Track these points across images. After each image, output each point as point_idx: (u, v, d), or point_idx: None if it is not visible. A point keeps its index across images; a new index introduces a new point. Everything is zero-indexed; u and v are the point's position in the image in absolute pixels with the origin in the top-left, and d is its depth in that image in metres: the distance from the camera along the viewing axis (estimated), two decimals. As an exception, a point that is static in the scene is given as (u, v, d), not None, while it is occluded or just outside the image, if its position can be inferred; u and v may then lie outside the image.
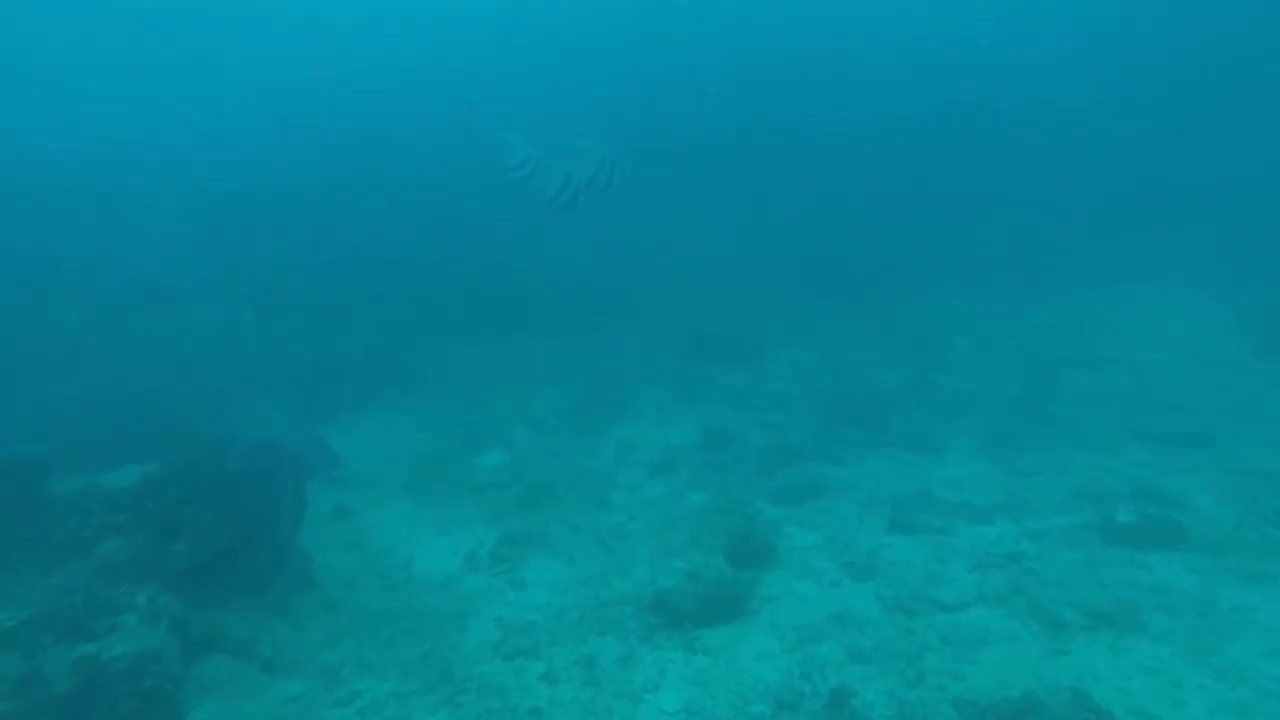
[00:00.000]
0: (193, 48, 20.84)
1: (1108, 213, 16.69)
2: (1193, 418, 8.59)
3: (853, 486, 7.38)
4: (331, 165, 14.07)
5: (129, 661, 3.60)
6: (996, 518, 6.52)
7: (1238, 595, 4.99)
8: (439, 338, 11.52)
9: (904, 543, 6.14)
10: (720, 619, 5.10)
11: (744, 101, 18.68)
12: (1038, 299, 14.00)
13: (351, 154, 14.79)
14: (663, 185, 14.75)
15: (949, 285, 14.63)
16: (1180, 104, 19.36)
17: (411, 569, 5.93)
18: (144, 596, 3.83)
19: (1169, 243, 15.07)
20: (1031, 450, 8.01)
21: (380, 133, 16.19)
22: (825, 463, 8.04)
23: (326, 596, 5.25)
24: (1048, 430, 8.59)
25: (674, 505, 7.14)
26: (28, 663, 3.51)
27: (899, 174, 17.38)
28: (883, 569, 5.72)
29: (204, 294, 9.79)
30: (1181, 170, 17.50)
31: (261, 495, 4.69)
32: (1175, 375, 10.28)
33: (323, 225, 12.16)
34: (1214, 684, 4.18)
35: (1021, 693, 3.99)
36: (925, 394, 10.14)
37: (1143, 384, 10.06)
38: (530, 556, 6.18)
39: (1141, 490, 6.70)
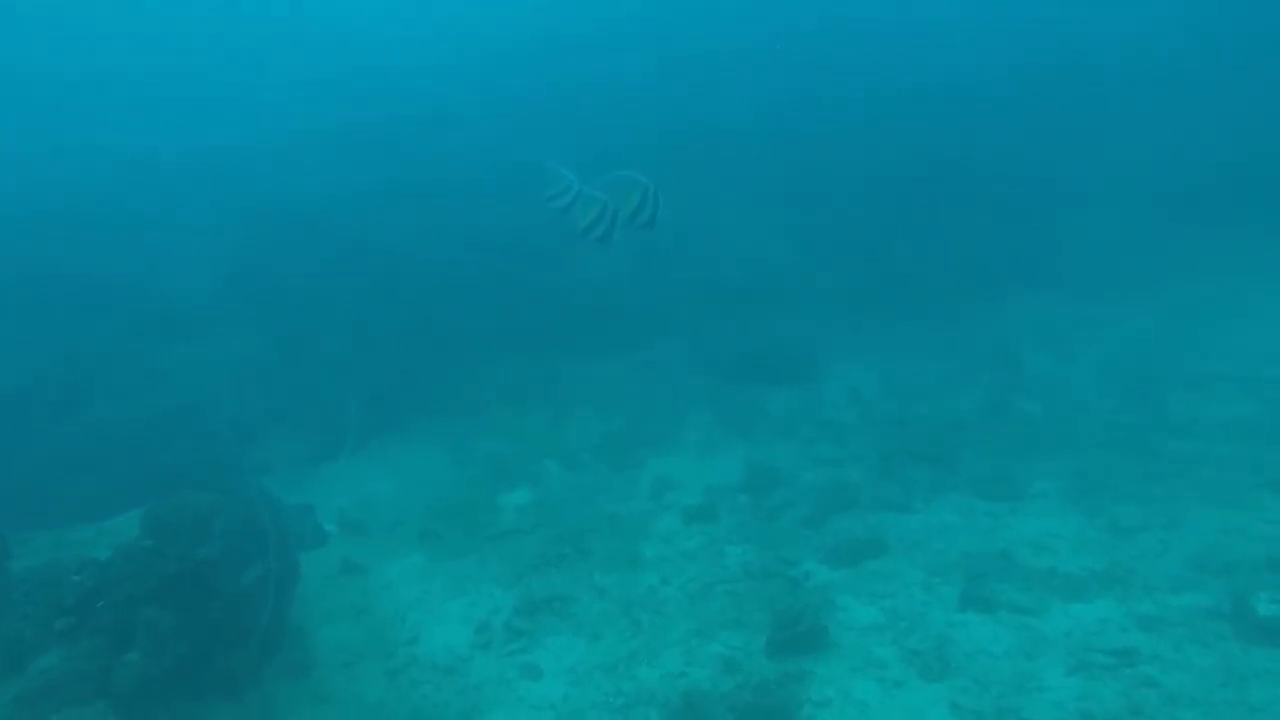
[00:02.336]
0: (236, 54, 21.04)
1: (1200, 197, 14.80)
2: (1334, 458, 7.24)
3: (918, 543, 6.43)
4: (362, 174, 13.75)
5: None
6: (1096, 594, 5.47)
7: None
8: (472, 360, 11.02)
9: (981, 624, 5.20)
10: (761, 732, 4.33)
11: (789, 88, 17.44)
12: (1129, 302, 12.52)
13: (383, 163, 14.45)
14: (706, 186, 13.87)
15: (1025, 289, 13.27)
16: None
17: (417, 646, 5.37)
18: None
19: (1259, 232, 13.25)
20: (1134, 499, 6.85)
21: (410, 140, 15.82)
22: (885, 510, 7.10)
23: (320, 686, 4.74)
24: (1152, 471, 7.38)
25: (713, 564, 6.36)
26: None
27: (961, 164, 15.86)
28: (957, 662, 4.81)
29: (227, 318, 9.53)
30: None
31: (238, 581, 4.19)
32: None
33: (351, 240, 11.81)
34: None
35: None
36: (1001, 423, 9.00)
37: (1265, 408, 8.63)
38: (549, 631, 5.53)
39: (1275, 563, 5.53)
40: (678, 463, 8.50)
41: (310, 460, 8.42)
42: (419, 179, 13.69)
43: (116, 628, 3.66)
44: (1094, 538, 6.27)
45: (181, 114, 19.42)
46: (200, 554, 3.97)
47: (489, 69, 19.99)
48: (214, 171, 15.13)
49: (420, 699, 4.79)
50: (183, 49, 22.37)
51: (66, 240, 10.92)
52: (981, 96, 17.93)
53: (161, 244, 11.57)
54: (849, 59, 18.19)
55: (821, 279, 13.51)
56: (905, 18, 19.18)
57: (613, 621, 5.61)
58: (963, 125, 16.95)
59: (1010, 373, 10.60)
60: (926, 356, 11.32)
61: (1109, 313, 12.35)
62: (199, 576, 3.92)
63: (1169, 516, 6.46)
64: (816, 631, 5.12)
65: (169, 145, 16.70)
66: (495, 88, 18.44)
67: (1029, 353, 11.20)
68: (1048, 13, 19.94)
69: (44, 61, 21.99)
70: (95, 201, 12.46)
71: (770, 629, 5.20)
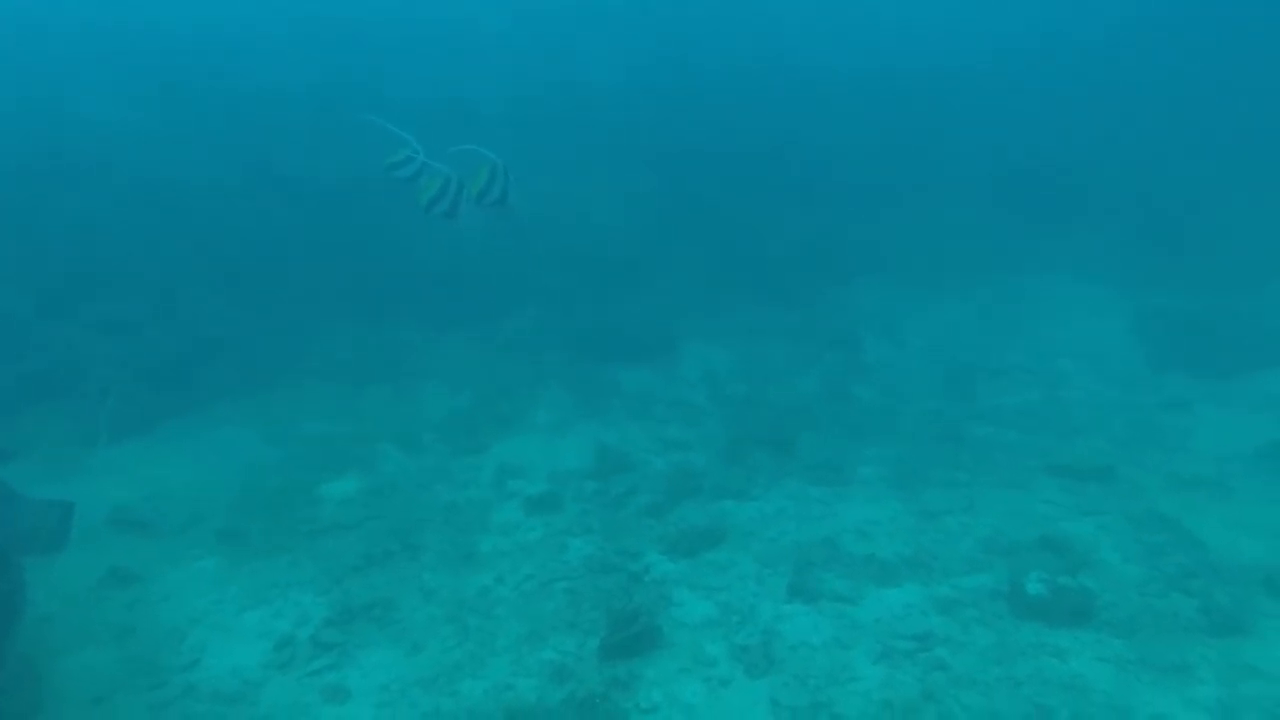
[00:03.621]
0: None
1: (1028, 193, 16.46)
2: (1096, 444, 8.37)
3: (755, 532, 6.63)
4: (168, 112, 11.65)
5: None
6: (905, 577, 5.93)
7: (1152, 698, 4.57)
8: (304, 329, 9.85)
9: (805, 615, 5.44)
10: (585, 743, 4.22)
11: (655, 60, 17.13)
12: (957, 291, 13.67)
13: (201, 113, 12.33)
14: (569, 148, 13.28)
15: (871, 275, 14.11)
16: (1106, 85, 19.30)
17: (196, 670, 4.67)
18: None
19: (1080, 229, 15.05)
20: (942, 484, 7.52)
21: (235, 89, 13.64)
22: (727, 497, 7.26)
23: (60, 733, 3.96)
24: (959, 456, 8.15)
25: (553, 558, 6.15)
26: None
27: (814, 153, 16.50)
28: (781, 656, 4.99)
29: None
30: (1100, 155, 17.45)
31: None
32: (1079, 389, 10.14)
33: (147, 180, 9.99)
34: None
35: None
36: (838, 407, 9.55)
37: (1050, 399, 9.85)
38: (364, 643, 5.05)
39: (1049, 542, 6.28)
40: (526, 445, 8.16)
41: (81, 443, 7.10)
42: (241, 116, 11.86)
43: None
44: (907, 522, 6.80)
45: None
46: None
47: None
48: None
49: (195, 739, 4.18)
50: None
51: None
52: (838, 88, 18.76)
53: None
54: (716, 33, 18.15)
55: (683, 253, 13.55)
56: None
57: (438, 628, 5.24)
58: (819, 113, 17.66)
59: (850, 357, 11.27)
60: (779, 338, 11.74)
61: (939, 300, 13.47)
62: None
63: (967, 501, 7.15)
64: (650, 632, 5.09)
65: None
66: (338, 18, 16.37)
67: (869, 338, 11.97)
68: (899, 13, 21.10)
69: None
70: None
71: (605, 630, 5.11)
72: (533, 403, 9.01)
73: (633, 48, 17.18)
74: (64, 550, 5.58)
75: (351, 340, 9.66)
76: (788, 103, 17.90)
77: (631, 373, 10.14)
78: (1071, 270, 13.64)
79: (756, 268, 13.61)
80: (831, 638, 5.17)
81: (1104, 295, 12.79)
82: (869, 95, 19.03)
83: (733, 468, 7.85)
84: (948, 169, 17.28)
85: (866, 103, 18.81)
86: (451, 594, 5.63)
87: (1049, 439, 8.54)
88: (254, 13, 16.65)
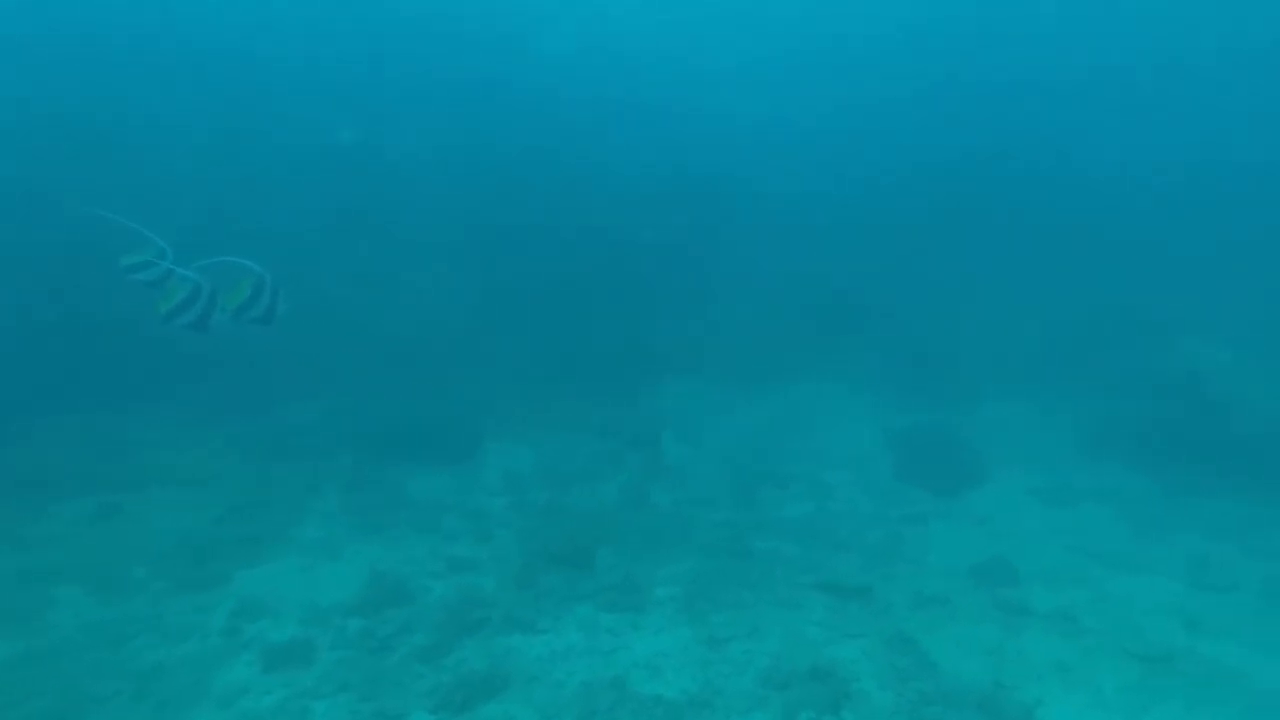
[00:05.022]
0: None
1: (817, 307, 18.26)
2: (856, 559, 9.22)
3: (540, 675, 6.21)
4: None
5: None
6: (688, 723, 5.87)
7: (898, 846, 4.85)
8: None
9: (585, 781, 5.10)
10: None
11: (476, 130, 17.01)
12: (756, 394, 14.75)
13: None
14: (378, 226, 12.48)
15: (680, 373, 14.75)
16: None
17: None
18: None
19: (856, 344, 17.01)
20: (730, 605, 7.73)
21: None
22: (516, 630, 6.79)
23: None
24: (747, 573, 8.51)
25: (292, 733, 5.18)
26: None
27: (627, 248, 17.23)
28: (554, 841, 4.57)
29: None
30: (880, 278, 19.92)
31: None
32: (844, 500, 11.22)
33: None
34: None
35: None
36: (637, 515, 9.60)
37: (821, 510, 10.78)
38: None
39: (818, 672, 6.65)
40: (280, 573, 7.00)
41: None
42: None
43: None
44: (696, 654, 6.82)
45: None
46: None
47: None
48: None
49: None
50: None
51: None
52: (660, 185, 20.03)
53: None
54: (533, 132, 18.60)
55: (505, 344, 13.19)
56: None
57: None
58: (643, 210, 18.65)
59: (652, 459, 11.54)
60: (588, 435, 11.70)
61: (736, 403, 14.45)
62: None
63: (750, 624, 7.41)
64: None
65: None
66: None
67: (670, 439, 12.41)
68: (713, 126, 23.33)
69: None
70: None
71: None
72: (298, 517, 7.84)
73: (455, 123, 16.98)
74: None
75: (50, 437, 7.74)
76: (614, 198, 18.65)
77: (426, 477, 9.37)
78: (849, 381, 15.42)
79: (577, 360, 13.65)
80: (610, 810, 4.86)
81: (870, 407, 14.59)
82: (688, 196, 20.44)
83: (524, 592, 7.41)
84: (753, 273, 18.99)
85: (685, 203, 20.18)
86: (143, 801, 4.43)
87: (820, 552, 9.25)
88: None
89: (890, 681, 6.67)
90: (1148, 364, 14.08)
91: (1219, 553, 9.24)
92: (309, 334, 10.29)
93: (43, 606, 5.87)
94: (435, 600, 6.96)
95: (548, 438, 11.30)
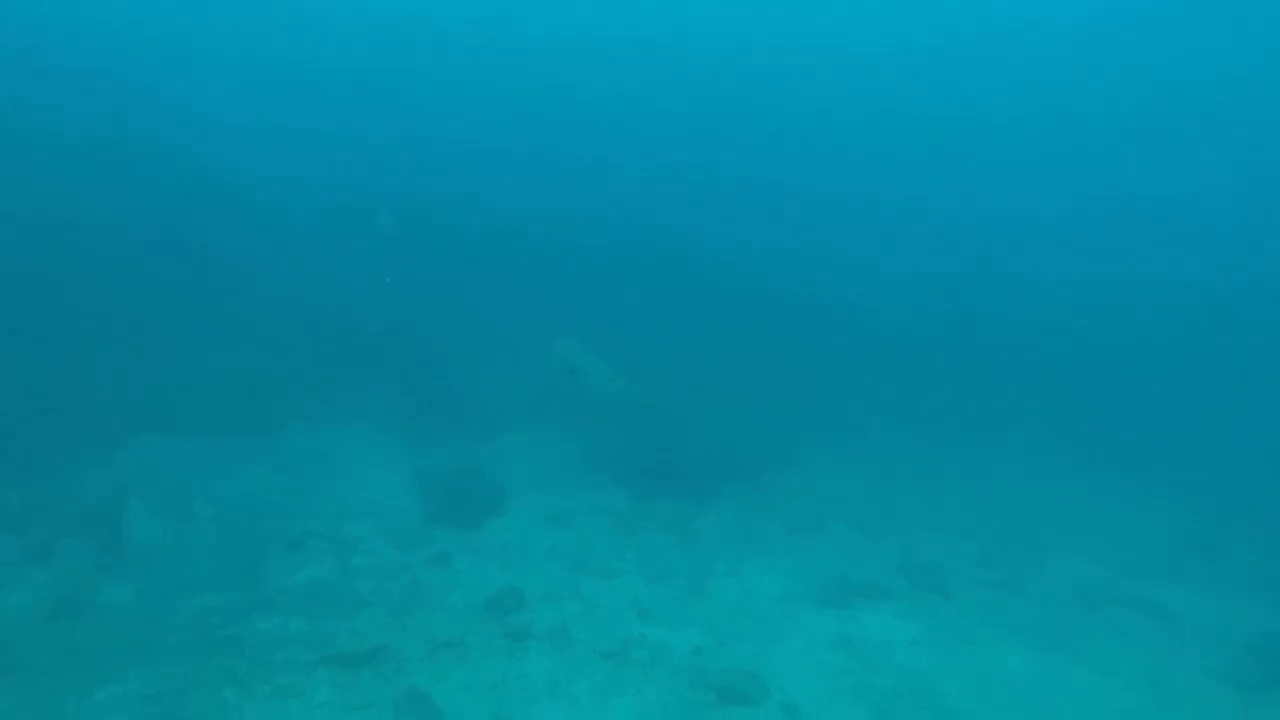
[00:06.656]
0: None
1: (321, 345, 16.99)
2: (375, 616, 8.74)
3: None
4: None
5: None
6: None
7: None
8: None
9: None
10: None
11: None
12: (248, 444, 12.77)
13: None
14: None
15: (149, 430, 11.72)
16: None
17: None
18: None
19: (374, 381, 16.41)
20: (206, 709, 6.37)
21: None
22: None
23: None
24: (234, 667, 7.17)
25: None
26: None
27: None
28: None
29: None
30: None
31: None
32: (367, 554, 10.46)
33: None
34: None
35: None
36: (70, 628, 7.15)
37: (341, 569, 9.93)
38: None
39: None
40: None
41: None
42: None
43: None
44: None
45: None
46: None
47: None
48: None
49: None
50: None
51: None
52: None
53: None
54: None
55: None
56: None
57: None
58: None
59: (106, 544, 8.86)
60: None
61: (240, 458, 12.30)
62: None
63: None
64: None
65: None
66: None
67: (140, 513, 9.74)
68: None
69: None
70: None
71: None
72: None
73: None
74: None
75: None
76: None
77: None
78: (368, 422, 14.78)
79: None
80: None
81: (394, 449, 14.19)
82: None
83: None
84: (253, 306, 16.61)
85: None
86: None
87: (334, 621, 8.47)
88: None
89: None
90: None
91: (665, 545, 11.83)
92: None
93: None
94: None
95: None
